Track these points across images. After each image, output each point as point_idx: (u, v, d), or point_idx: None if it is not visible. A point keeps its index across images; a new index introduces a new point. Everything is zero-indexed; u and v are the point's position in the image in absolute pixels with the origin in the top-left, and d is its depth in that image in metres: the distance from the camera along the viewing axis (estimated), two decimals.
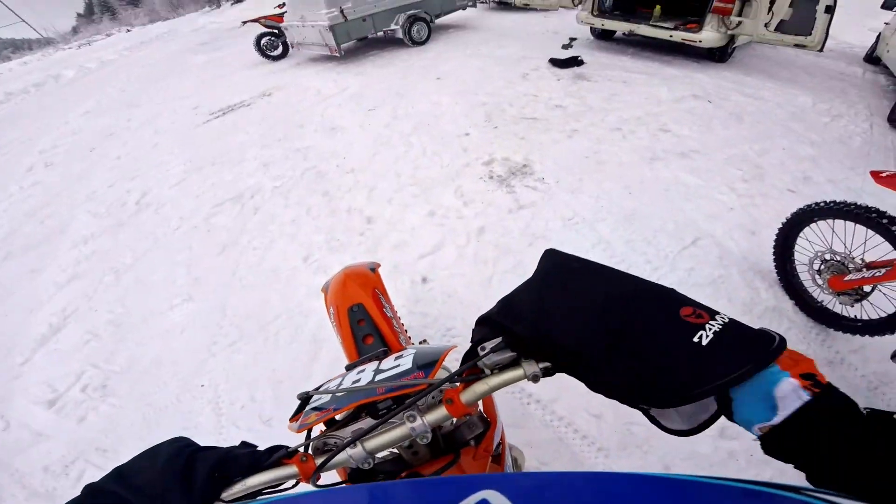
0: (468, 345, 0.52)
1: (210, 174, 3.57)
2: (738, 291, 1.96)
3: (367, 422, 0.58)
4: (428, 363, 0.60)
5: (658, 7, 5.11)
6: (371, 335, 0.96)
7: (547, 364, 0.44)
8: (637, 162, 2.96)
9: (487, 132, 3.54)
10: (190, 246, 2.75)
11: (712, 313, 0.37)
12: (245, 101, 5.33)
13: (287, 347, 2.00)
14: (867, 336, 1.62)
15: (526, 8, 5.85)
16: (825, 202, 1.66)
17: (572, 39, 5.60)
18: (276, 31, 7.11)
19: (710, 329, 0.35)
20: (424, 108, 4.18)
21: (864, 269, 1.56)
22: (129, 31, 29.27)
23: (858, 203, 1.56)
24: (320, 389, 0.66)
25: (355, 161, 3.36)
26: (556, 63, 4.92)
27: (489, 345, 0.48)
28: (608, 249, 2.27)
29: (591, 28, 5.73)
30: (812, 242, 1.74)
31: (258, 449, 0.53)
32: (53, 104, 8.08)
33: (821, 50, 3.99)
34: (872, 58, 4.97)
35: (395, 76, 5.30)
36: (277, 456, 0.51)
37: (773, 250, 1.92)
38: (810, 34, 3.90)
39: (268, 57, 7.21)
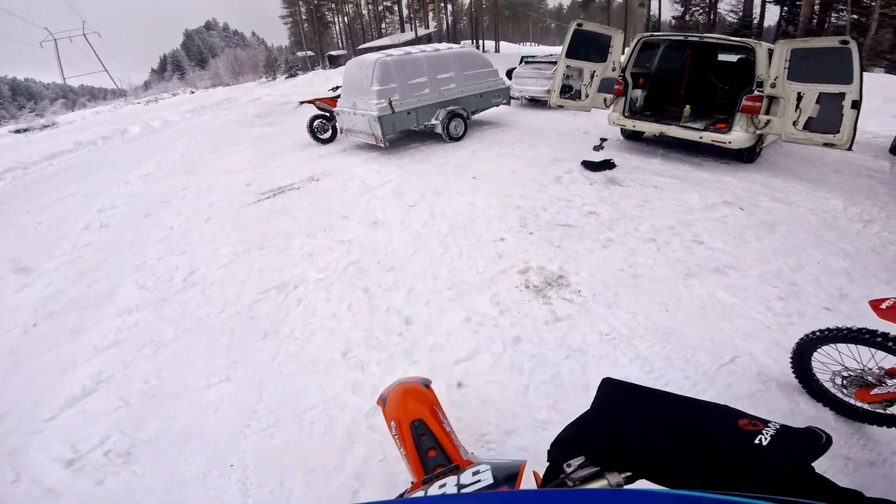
0: (535, 457, 0.73)
1: (257, 259, 4.06)
2: (777, 403, 2.14)
3: None
4: (509, 477, 0.73)
5: (687, 107, 5.78)
6: (434, 448, 1.09)
7: (628, 473, 0.54)
8: (672, 277, 3.18)
9: (522, 238, 3.93)
10: (232, 329, 3.11)
11: (765, 422, 0.50)
12: (294, 185, 6.12)
13: (320, 438, 2.20)
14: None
15: (559, 108, 6.67)
16: (821, 331, 1.92)
17: (603, 140, 6.25)
18: (328, 114, 8.27)
19: (767, 433, 0.47)
20: (460, 207, 4.70)
21: (887, 378, 1.75)
22: (192, 92, 34.18)
23: (851, 327, 1.81)
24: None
25: (395, 259, 3.79)
26: (589, 166, 5.45)
27: (575, 462, 0.58)
28: (646, 365, 2.44)
29: (621, 129, 6.45)
30: (826, 364, 1.97)
31: None
32: (117, 160, 9.44)
33: (849, 148, 4.21)
34: None
35: (432, 172, 6.02)
36: None
37: (792, 372, 2.15)
38: (838, 132, 4.18)
39: (317, 139, 8.32)
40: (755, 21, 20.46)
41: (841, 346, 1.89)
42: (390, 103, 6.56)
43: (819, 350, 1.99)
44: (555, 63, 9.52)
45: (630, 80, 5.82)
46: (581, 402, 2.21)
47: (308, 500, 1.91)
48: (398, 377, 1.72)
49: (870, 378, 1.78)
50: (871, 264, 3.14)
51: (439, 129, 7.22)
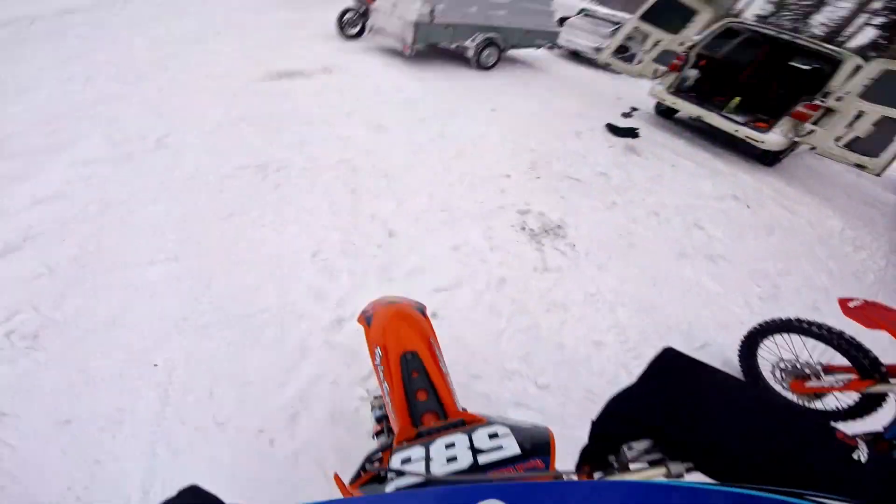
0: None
1: (245, 134, 3.29)
2: None
3: None
4: (537, 447, 0.56)
5: (737, 99, 5.12)
6: (425, 390, 0.83)
7: (690, 464, 0.44)
8: (666, 254, 2.88)
9: (529, 180, 3.37)
10: (195, 200, 2.43)
11: (854, 437, 0.41)
12: (305, 71, 5.07)
13: (268, 347, 1.70)
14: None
15: (599, 66, 5.82)
16: (764, 322, 1.86)
17: (634, 109, 5.52)
18: (364, 8, 6.87)
19: (864, 451, 0.39)
20: (471, 134, 4.01)
21: (823, 374, 1.66)
22: None
23: (785, 318, 1.77)
24: (403, 460, 0.58)
25: (391, 166, 3.13)
26: (612, 129, 4.84)
27: (638, 445, 0.47)
28: (622, 335, 2.15)
29: (657, 103, 5.70)
30: (768, 357, 1.91)
31: None
32: (129, 22, 7.78)
33: (879, 174, 3.96)
34: None
35: (451, 93, 5.13)
36: None
37: (738, 362, 2.02)
38: (878, 157, 3.87)
39: (343, 33, 6.96)
40: (843, 39, 19.12)
41: (779, 338, 1.82)
42: (432, 11, 5.42)
43: (763, 343, 1.89)
44: (612, 22, 8.33)
45: (692, 59, 5.00)
46: (554, 358, 1.91)
47: (238, 416, 1.45)
48: (379, 294, 1.21)
49: (807, 370, 1.72)
50: (849, 286, 3.01)
51: (470, 54, 6.09)
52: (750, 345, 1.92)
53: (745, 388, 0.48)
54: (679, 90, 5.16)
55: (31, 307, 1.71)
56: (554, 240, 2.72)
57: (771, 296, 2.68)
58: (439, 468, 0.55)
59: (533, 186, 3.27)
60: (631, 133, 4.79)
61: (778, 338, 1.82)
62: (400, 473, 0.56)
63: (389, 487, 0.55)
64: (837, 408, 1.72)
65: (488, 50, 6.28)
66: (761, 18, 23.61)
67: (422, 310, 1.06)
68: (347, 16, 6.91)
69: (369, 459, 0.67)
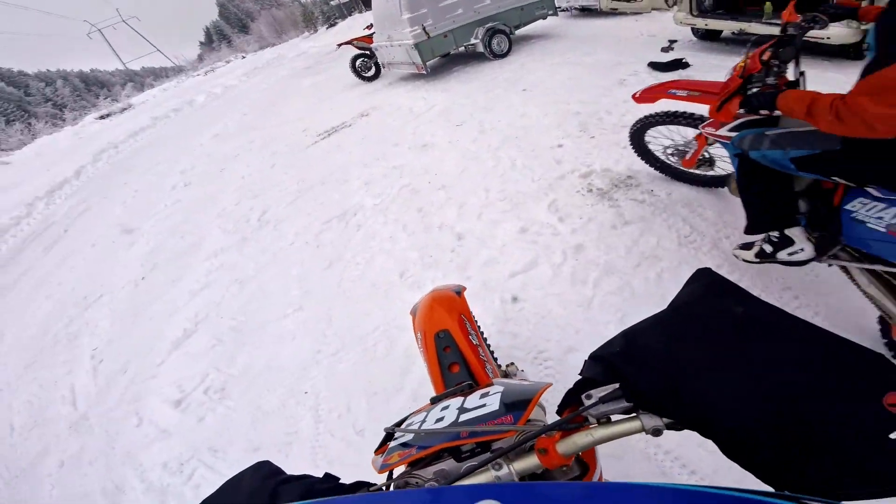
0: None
1: (319, 193, 3.96)
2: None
3: (449, 463, 0.57)
4: (518, 404, 0.56)
5: (768, 3, 4.41)
6: (457, 363, 0.94)
7: (671, 420, 0.38)
8: None
9: (583, 142, 3.35)
10: (302, 260, 3.06)
11: None
12: (346, 123, 5.85)
13: (382, 360, 2.08)
14: (714, 187, 2.45)
15: (614, 13, 5.42)
16: (639, 120, 2.43)
17: (672, 42, 5.09)
18: (368, 52, 7.69)
19: None
20: (511, 120, 4.14)
21: (692, 143, 2.18)
22: (244, 57, 34.40)
23: (659, 112, 2.27)
24: (404, 425, 0.67)
25: (445, 177, 3.46)
26: (657, 67, 4.50)
27: (597, 393, 0.42)
28: (735, 272, 1.96)
29: (692, 29, 5.12)
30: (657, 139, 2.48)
31: (341, 482, 0.53)
32: (190, 127, 9.82)
33: None
34: None
35: (479, 91, 5.36)
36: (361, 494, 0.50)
37: (634, 151, 2.66)
38: None
39: (363, 78, 7.85)
40: None
41: (662, 128, 2.38)
42: (424, 29, 5.87)
43: (648, 133, 2.48)
44: None
45: None
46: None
47: (370, 423, 1.82)
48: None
49: (685, 149, 2.22)
50: None
51: (481, 48, 6.34)
52: (638, 142, 2.56)
53: (782, 329, 0.36)
54: (702, 10, 4.62)
55: (214, 369, 2.41)
56: (627, 191, 2.66)
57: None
58: (428, 426, 0.61)
59: (589, 147, 3.25)
60: (679, 65, 4.42)
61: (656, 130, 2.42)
62: (392, 438, 0.65)
63: (387, 449, 0.63)
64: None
65: (496, 38, 6.44)
66: None
67: (458, 290, 1.21)
68: (359, 62, 7.76)
69: (388, 430, 0.72)
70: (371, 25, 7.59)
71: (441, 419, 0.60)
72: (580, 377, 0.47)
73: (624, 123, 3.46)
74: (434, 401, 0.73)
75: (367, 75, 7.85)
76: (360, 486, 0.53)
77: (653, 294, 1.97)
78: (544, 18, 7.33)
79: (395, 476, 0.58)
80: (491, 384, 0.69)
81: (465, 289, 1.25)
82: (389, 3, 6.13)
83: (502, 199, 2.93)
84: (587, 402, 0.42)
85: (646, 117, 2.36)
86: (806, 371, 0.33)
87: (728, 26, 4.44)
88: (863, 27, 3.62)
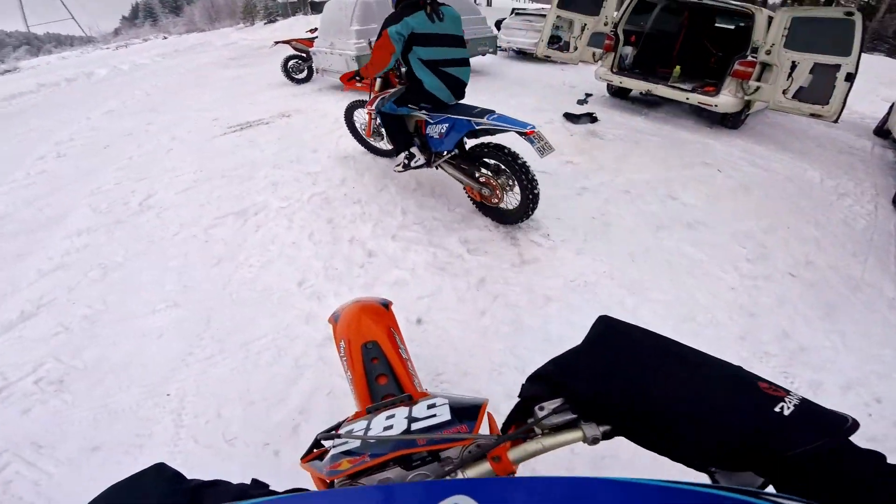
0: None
1: (218, 186, 3.70)
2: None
3: (396, 472, 0.58)
4: (468, 414, 0.61)
5: (678, 68, 5.44)
6: (385, 375, 0.96)
7: (607, 427, 0.45)
8: (643, 228, 3.05)
9: None
10: (185, 253, 2.81)
11: (786, 390, 0.39)
12: (264, 120, 5.61)
13: (267, 369, 2.00)
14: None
15: (546, 59, 6.21)
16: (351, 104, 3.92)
17: (588, 95, 5.85)
18: (304, 55, 7.62)
19: (790, 402, 0.38)
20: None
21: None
22: (165, 38, 31.39)
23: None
24: (345, 433, 0.66)
25: (364, 192, 3.50)
26: (570, 118, 5.17)
27: (549, 405, 0.47)
28: (609, 314, 2.30)
29: (608, 85, 6.09)
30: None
31: (274, 490, 0.48)
32: (81, 100, 8.47)
33: (836, 121, 4.14)
34: (882, 131, 5.16)
35: None
36: None
37: (348, 130, 4.17)
38: (827, 103, 4.07)
39: (292, 79, 7.67)
40: None
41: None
42: (370, 44, 6.02)
43: (355, 113, 3.86)
44: (544, 16, 8.93)
45: (622, 37, 5.41)
46: (540, 348, 2.09)
47: (245, 432, 1.73)
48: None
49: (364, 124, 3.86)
50: (839, 235, 3.08)
51: None
52: (350, 120, 4.02)
53: (673, 345, 0.47)
54: (622, 69, 5.54)
55: (53, 359, 2.09)
56: (528, 233, 2.97)
57: (759, 256, 2.77)
58: (374, 435, 0.61)
59: None
60: (590, 118, 5.12)
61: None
62: (319, 445, 0.66)
63: (328, 455, 0.61)
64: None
65: None
66: None
67: (385, 304, 1.22)
68: (291, 63, 7.64)
69: (320, 436, 0.71)
70: (315, 29, 7.53)
71: (389, 427, 0.61)
72: (519, 398, 0.52)
73: (534, 168, 3.89)
74: (371, 410, 0.73)
75: (297, 77, 7.69)
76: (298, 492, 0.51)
77: (539, 328, 2.22)
78: (484, 55, 8.04)
79: (336, 486, 0.58)
80: (433, 396, 0.71)
81: (391, 303, 1.27)
82: (341, 12, 6.23)
83: (417, 222, 3.07)
84: (540, 414, 0.46)
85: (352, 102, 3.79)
86: (704, 369, 0.43)
87: (639, 86, 5.32)
88: (746, 97, 4.62)
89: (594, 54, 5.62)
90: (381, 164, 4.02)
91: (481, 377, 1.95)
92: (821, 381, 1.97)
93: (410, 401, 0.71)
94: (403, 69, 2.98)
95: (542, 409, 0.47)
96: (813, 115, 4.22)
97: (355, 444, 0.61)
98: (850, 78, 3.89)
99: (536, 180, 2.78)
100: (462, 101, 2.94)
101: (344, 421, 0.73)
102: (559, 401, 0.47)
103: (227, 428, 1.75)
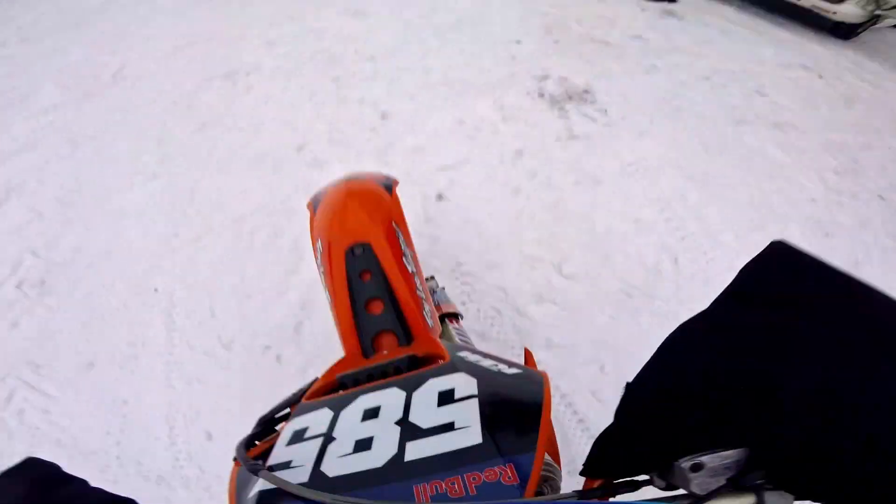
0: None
1: (203, 51, 3.22)
2: None
3: None
4: (508, 426, 0.35)
5: None
6: (380, 299, 0.64)
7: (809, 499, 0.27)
8: (722, 119, 2.65)
9: (545, 45, 3.11)
10: (164, 121, 2.46)
11: None
12: None
13: (262, 252, 1.75)
14: None
15: None
16: None
17: None
18: None
19: None
20: (471, 2, 3.74)
21: None
22: None
23: None
24: (297, 432, 0.42)
25: (378, 47, 2.98)
26: None
27: (710, 461, 0.27)
28: (666, 210, 2.00)
29: None
30: None
31: None
32: None
33: None
34: None
35: None
36: None
37: None
38: None
39: None
40: None
41: None
42: None
43: None
44: None
45: None
46: (584, 240, 1.80)
47: (243, 334, 1.54)
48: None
49: None
50: None
51: None
52: None
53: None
54: None
55: (30, 253, 1.87)
56: (581, 105, 2.54)
57: (850, 170, 2.47)
58: (335, 462, 0.37)
59: (550, 51, 3.02)
60: None
61: None
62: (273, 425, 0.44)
63: (253, 490, 0.36)
64: None
65: None
66: None
67: (388, 185, 0.85)
68: None
69: (266, 418, 0.50)
70: None
71: (366, 444, 0.37)
72: (619, 426, 0.32)
73: (593, 37, 3.31)
74: (344, 385, 0.49)
75: None
76: None
77: (585, 215, 1.93)
78: None
79: None
80: (447, 362, 0.46)
81: (397, 182, 0.88)
82: None
83: (443, 83, 2.60)
84: (693, 477, 0.28)
85: None
86: None
87: None
88: (877, 11, 3.82)
89: None
90: (404, 17, 3.46)
91: (508, 272, 1.70)
92: None
93: (412, 368, 0.49)
94: None
95: (699, 466, 0.27)
96: None
97: (301, 476, 0.37)
98: None
99: None
100: None
101: (294, 396, 0.52)
102: (733, 452, 0.27)
103: (222, 330, 1.56)
